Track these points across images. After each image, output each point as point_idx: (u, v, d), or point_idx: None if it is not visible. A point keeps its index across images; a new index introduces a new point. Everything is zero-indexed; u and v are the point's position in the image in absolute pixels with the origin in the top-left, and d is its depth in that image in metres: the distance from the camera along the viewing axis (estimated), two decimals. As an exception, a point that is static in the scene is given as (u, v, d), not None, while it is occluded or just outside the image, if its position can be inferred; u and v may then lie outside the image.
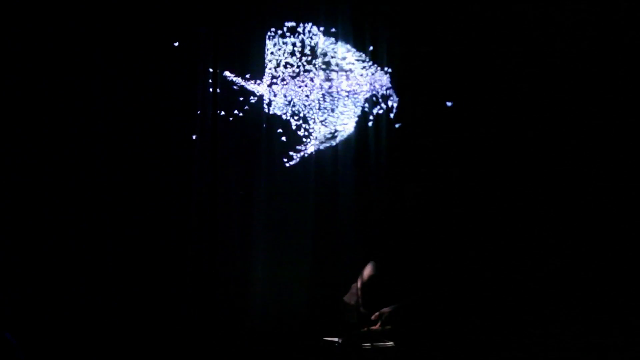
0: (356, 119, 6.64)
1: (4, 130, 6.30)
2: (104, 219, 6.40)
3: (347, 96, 6.57)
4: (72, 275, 6.29)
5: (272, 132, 6.64)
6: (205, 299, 6.26)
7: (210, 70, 6.40)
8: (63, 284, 6.26)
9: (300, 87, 6.54)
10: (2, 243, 6.20)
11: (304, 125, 6.61)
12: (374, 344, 5.65)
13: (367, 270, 6.02)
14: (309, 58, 6.57)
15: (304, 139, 6.60)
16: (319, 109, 6.53)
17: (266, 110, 6.60)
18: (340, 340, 5.68)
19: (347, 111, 6.60)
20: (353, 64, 6.60)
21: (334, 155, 6.63)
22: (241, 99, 6.61)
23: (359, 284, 5.93)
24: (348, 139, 6.65)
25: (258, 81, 6.59)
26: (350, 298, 5.98)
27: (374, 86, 6.62)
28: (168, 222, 6.50)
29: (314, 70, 6.54)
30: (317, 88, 6.53)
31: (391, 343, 5.74)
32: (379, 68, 6.64)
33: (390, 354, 5.70)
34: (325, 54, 6.58)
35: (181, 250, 6.48)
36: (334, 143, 6.62)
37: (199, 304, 6.33)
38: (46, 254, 6.27)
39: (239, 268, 6.54)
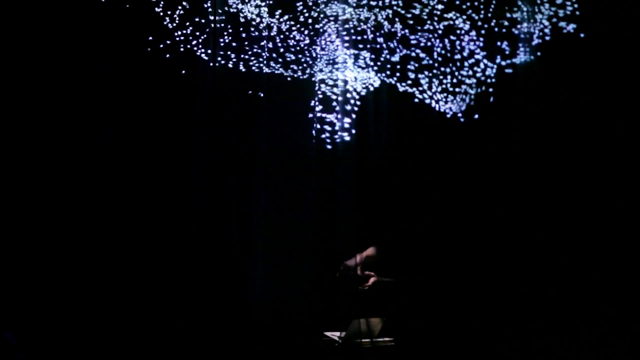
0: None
1: (5, 131, 6.31)
2: (103, 219, 6.39)
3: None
4: (72, 275, 6.28)
5: (272, 128, 6.66)
6: (206, 296, 6.29)
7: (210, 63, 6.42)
8: (63, 284, 6.26)
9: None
10: (2, 243, 6.20)
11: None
12: (374, 340, 5.65)
13: (369, 251, 6.03)
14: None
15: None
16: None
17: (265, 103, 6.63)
18: (340, 340, 5.69)
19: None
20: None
21: (334, 151, 6.63)
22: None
23: (357, 258, 5.96)
24: (349, 135, 6.65)
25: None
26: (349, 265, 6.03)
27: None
28: (168, 220, 6.49)
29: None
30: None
31: (391, 341, 5.75)
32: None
33: (390, 353, 5.71)
34: None
35: (181, 249, 6.47)
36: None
37: (200, 302, 6.34)
38: (46, 254, 6.26)
39: (239, 265, 6.55)
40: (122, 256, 6.38)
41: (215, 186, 6.50)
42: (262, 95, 6.63)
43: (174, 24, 6.51)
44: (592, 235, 6.34)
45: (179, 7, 6.52)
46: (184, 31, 6.53)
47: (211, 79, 6.50)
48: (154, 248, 6.42)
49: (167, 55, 6.50)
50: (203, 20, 6.54)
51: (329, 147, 6.64)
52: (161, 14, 6.50)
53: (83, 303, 6.26)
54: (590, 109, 6.48)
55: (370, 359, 5.68)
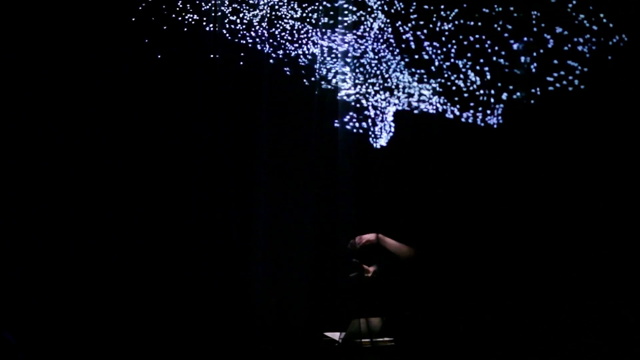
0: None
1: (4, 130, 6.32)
2: (103, 219, 6.39)
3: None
4: (73, 276, 6.29)
5: (273, 125, 6.67)
6: (206, 296, 6.29)
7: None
8: (63, 284, 6.26)
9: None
10: (2, 243, 6.20)
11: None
12: (374, 340, 5.65)
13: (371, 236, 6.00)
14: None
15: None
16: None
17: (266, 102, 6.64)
18: (340, 340, 5.69)
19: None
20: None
21: (335, 149, 6.63)
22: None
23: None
24: (348, 135, 6.65)
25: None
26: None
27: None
28: (167, 220, 6.49)
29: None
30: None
31: (391, 341, 5.75)
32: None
33: (390, 353, 5.70)
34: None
35: (181, 248, 6.48)
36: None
37: (200, 302, 6.35)
38: (46, 254, 6.27)
39: (239, 265, 6.55)
40: (123, 256, 6.38)
41: (215, 185, 6.50)
42: (263, 93, 6.64)
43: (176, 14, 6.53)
44: (592, 236, 6.35)
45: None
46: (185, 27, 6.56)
47: (212, 75, 6.51)
48: (154, 247, 6.43)
49: (166, 54, 6.52)
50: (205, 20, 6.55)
51: (329, 145, 6.65)
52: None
53: (83, 303, 6.26)
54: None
55: (370, 359, 5.68)
